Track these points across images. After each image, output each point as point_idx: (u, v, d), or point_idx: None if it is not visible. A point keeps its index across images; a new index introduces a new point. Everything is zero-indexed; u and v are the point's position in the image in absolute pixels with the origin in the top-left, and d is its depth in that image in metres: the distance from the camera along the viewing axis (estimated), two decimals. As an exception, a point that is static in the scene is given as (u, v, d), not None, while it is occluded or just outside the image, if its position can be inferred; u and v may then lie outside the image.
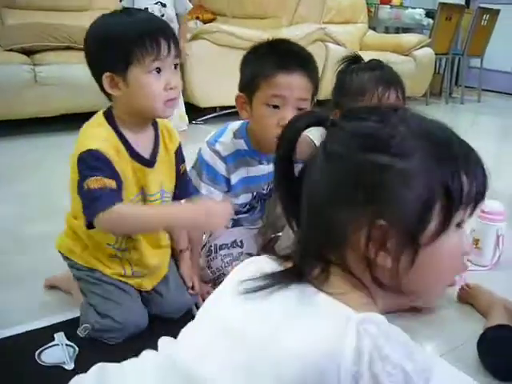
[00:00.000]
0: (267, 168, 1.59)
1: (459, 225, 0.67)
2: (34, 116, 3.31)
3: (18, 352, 1.31)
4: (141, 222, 1.27)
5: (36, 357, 1.29)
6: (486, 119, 5.63)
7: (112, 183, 1.22)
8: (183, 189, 1.50)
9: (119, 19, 1.29)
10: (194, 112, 3.87)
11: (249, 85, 1.46)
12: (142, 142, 1.35)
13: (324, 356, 0.60)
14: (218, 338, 0.69)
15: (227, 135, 1.56)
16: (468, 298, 1.66)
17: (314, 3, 4.65)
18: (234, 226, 1.73)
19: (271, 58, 1.43)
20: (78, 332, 1.36)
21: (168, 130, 1.44)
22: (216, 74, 3.76)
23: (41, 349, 1.31)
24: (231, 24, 4.35)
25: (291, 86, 1.40)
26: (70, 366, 1.27)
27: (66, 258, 1.45)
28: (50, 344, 1.34)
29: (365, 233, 0.64)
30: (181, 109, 3.37)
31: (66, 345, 1.34)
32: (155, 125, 1.40)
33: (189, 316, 1.47)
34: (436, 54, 5.42)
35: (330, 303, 0.65)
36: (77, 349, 1.32)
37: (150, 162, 1.36)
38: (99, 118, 1.33)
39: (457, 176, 0.65)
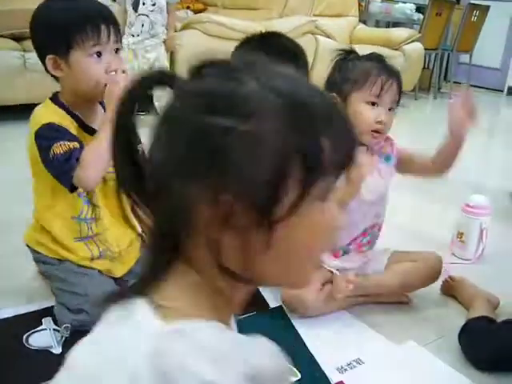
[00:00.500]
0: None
1: (324, 196, 0.58)
2: (23, 102, 3.28)
3: (5, 335, 1.32)
4: (101, 152, 1.26)
5: (24, 340, 1.30)
6: (473, 115, 5.67)
7: (75, 144, 1.29)
8: None
9: (61, 4, 1.33)
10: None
11: None
12: (92, 117, 1.40)
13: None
14: None
15: None
16: (451, 290, 1.69)
17: (305, -5, 4.66)
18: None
19: (260, 53, 1.43)
20: (61, 333, 1.34)
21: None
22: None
23: (28, 333, 1.32)
24: (222, 14, 4.34)
25: None
26: (57, 350, 1.28)
27: (34, 252, 1.46)
28: (38, 328, 1.35)
29: (207, 211, 0.54)
30: None
31: (54, 329, 1.35)
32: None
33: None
34: (426, 49, 5.43)
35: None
36: (65, 334, 1.33)
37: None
38: (46, 102, 1.39)
39: (315, 140, 0.55)
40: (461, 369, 1.35)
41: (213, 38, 3.88)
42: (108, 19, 1.32)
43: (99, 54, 1.31)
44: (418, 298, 1.64)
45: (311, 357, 1.33)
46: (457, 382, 1.31)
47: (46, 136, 1.29)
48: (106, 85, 1.31)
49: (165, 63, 3.41)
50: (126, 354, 0.52)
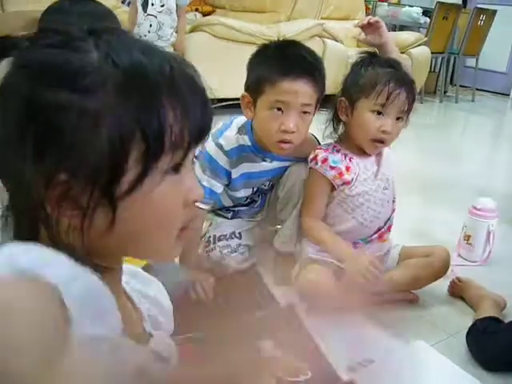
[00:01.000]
0: (270, 165, 1.63)
1: (175, 169, 0.56)
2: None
3: None
4: None
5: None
6: (479, 118, 5.69)
7: None
8: None
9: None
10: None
11: (254, 87, 1.49)
12: None
13: None
14: None
15: (232, 130, 1.59)
16: (459, 291, 1.71)
17: (312, -1, 4.69)
18: (233, 217, 1.77)
19: (277, 63, 1.45)
20: None
21: None
22: (214, 66, 3.77)
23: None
24: (230, 17, 4.37)
25: (296, 92, 1.43)
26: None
27: None
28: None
29: (43, 191, 0.51)
30: None
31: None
32: None
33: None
34: (432, 53, 5.46)
35: None
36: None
37: None
38: None
39: (156, 113, 0.53)
40: (469, 368, 1.37)
41: (221, 40, 3.91)
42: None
43: None
44: (426, 298, 1.67)
45: (322, 356, 1.35)
46: (465, 381, 1.33)
47: None
48: None
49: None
50: None
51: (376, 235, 1.60)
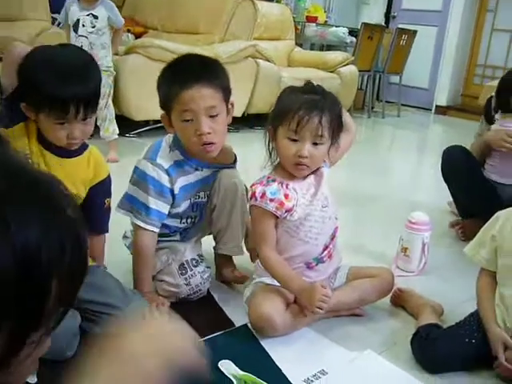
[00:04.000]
0: (202, 174, 1.71)
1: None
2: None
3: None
4: None
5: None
6: (405, 133, 5.98)
7: None
8: (101, 223, 1.57)
9: (41, 65, 1.34)
10: (128, 126, 3.90)
11: (165, 106, 1.61)
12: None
13: None
14: None
15: (164, 149, 1.67)
16: (400, 301, 1.82)
17: (245, 20, 4.79)
18: (182, 239, 1.80)
19: (173, 79, 1.58)
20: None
21: (96, 162, 1.52)
22: (149, 88, 3.76)
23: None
24: (163, 38, 4.41)
25: (195, 98, 1.53)
26: (33, 380, 1.30)
27: None
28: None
29: None
30: (111, 116, 3.42)
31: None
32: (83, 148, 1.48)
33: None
34: (359, 71, 5.70)
35: None
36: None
37: (55, 149, 1.42)
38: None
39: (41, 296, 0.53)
40: (415, 373, 1.47)
41: (156, 62, 3.93)
42: (81, 96, 1.33)
43: (63, 122, 1.35)
44: (371, 309, 1.77)
45: (279, 371, 1.42)
46: (412, 385, 1.43)
47: None
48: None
49: (105, 90, 3.39)
50: None
51: (325, 253, 1.67)
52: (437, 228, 2.35)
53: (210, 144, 1.58)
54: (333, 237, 1.69)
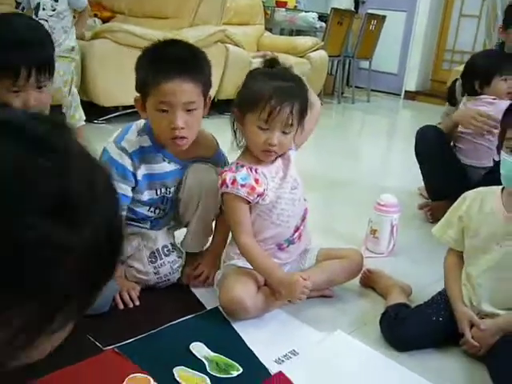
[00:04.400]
0: (169, 167, 1.67)
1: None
2: None
3: None
4: None
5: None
6: (374, 118, 6.03)
7: None
8: None
9: None
10: (96, 112, 3.84)
11: (141, 90, 1.56)
12: None
13: None
14: None
15: (132, 132, 1.64)
16: (369, 282, 1.85)
17: (214, 5, 4.75)
18: (152, 227, 1.77)
19: (156, 66, 1.51)
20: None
21: None
22: (118, 73, 3.75)
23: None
24: (131, 23, 4.34)
25: (175, 92, 1.49)
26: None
27: None
28: None
29: None
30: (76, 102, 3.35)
31: None
32: None
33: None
34: (329, 56, 5.71)
35: None
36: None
37: None
38: None
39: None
40: (384, 351, 1.50)
41: (123, 46, 3.88)
42: (33, 57, 1.32)
43: (16, 90, 1.33)
44: (341, 290, 1.79)
45: (250, 352, 1.43)
46: (380, 362, 1.45)
47: None
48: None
49: (67, 78, 3.32)
50: None
51: (296, 234, 1.68)
52: (406, 210, 2.39)
53: (181, 138, 1.55)
54: (303, 218, 1.71)
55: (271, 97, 1.47)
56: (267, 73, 1.56)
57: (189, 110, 1.53)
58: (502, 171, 1.48)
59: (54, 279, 0.50)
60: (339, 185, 3.11)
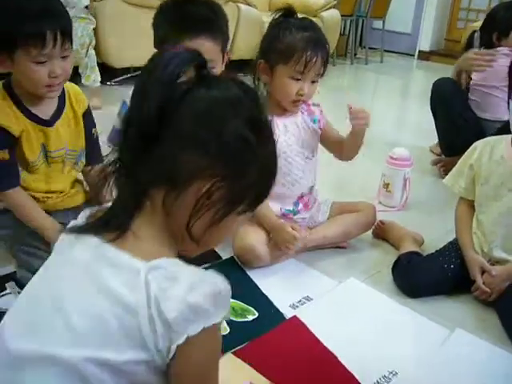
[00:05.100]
0: None
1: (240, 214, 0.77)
2: None
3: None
4: (20, 215, 1.43)
5: (-11, 305, 1.34)
6: (388, 78, 5.96)
7: (5, 155, 1.35)
8: (94, 155, 1.58)
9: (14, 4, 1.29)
10: (108, 74, 3.84)
11: (160, 47, 1.53)
12: (42, 105, 1.41)
13: (124, 311, 0.66)
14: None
15: None
16: (382, 233, 1.87)
17: (225, -36, 4.68)
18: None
19: (176, 23, 1.49)
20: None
21: (75, 93, 1.52)
22: (129, 34, 3.74)
23: (-7, 298, 1.37)
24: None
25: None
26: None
27: None
28: (3, 293, 1.40)
29: (207, 186, 0.70)
30: (93, 63, 3.35)
31: (18, 292, 1.40)
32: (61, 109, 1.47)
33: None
34: (341, 16, 5.63)
35: (122, 259, 0.68)
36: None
37: (48, 122, 1.42)
38: None
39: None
40: (396, 298, 1.54)
41: (134, 6, 3.86)
42: (56, 24, 1.30)
43: (43, 61, 1.31)
44: (354, 242, 1.82)
45: (266, 298, 1.47)
46: (392, 308, 1.49)
47: None
48: (48, 85, 1.34)
49: (84, 40, 3.31)
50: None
51: (301, 205, 1.71)
52: (419, 166, 2.40)
53: None
54: (311, 190, 1.74)
55: (306, 48, 1.51)
56: (296, 24, 1.57)
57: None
58: (511, 119, 1.49)
59: (247, 168, 0.73)
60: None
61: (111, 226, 0.71)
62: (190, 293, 0.66)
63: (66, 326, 0.67)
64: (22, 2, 1.30)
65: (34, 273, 1.37)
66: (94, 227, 0.73)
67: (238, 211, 0.75)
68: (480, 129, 2.40)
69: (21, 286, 1.41)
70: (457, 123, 2.44)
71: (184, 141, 0.70)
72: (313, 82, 1.58)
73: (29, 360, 0.67)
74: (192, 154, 0.70)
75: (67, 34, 1.34)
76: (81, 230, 0.74)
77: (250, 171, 0.73)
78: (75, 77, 2.96)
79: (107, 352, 0.66)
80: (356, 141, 1.67)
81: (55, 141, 1.45)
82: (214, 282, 0.69)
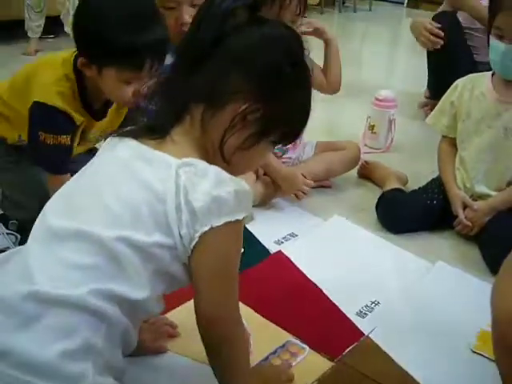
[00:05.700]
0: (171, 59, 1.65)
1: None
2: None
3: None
4: None
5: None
6: (377, 27, 5.88)
7: (66, 140, 1.28)
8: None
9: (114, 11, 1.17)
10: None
11: None
12: (98, 94, 1.31)
13: (154, 198, 0.73)
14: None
15: None
16: (366, 173, 1.89)
17: None
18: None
19: None
20: (9, 230, 1.42)
21: None
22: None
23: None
24: None
25: None
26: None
27: None
28: (-9, 233, 1.41)
29: (243, 107, 0.77)
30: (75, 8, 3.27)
31: (7, 233, 1.41)
32: None
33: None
34: (329, -38, 5.51)
35: (157, 156, 0.76)
36: (18, 236, 1.40)
37: (97, 115, 1.35)
38: (56, 66, 1.28)
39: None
40: (380, 234, 1.56)
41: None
42: (157, 54, 1.18)
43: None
44: (339, 181, 1.84)
45: (250, 234, 1.48)
46: (375, 243, 1.52)
47: (42, 120, 1.26)
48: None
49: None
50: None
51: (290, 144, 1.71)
52: (406, 111, 2.40)
53: None
54: None
55: None
56: None
57: (194, 5, 1.49)
58: (490, 56, 1.49)
59: (283, 98, 0.80)
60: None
61: (152, 131, 0.80)
62: (215, 188, 0.73)
63: (103, 207, 0.75)
64: (132, 7, 1.19)
65: (16, 205, 1.36)
66: (137, 132, 0.81)
67: (270, 140, 0.82)
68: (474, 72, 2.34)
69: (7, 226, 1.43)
70: (451, 62, 2.27)
71: (230, 63, 0.77)
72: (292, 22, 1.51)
73: (67, 236, 0.74)
74: (235, 77, 0.77)
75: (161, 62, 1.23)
76: (124, 134, 0.82)
77: (284, 102, 0.79)
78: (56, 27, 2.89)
79: (138, 233, 0.73)
80: (334, 58, 1.76)
81: (96, 129, 1.39)
82: (239, 182, 0.76)
